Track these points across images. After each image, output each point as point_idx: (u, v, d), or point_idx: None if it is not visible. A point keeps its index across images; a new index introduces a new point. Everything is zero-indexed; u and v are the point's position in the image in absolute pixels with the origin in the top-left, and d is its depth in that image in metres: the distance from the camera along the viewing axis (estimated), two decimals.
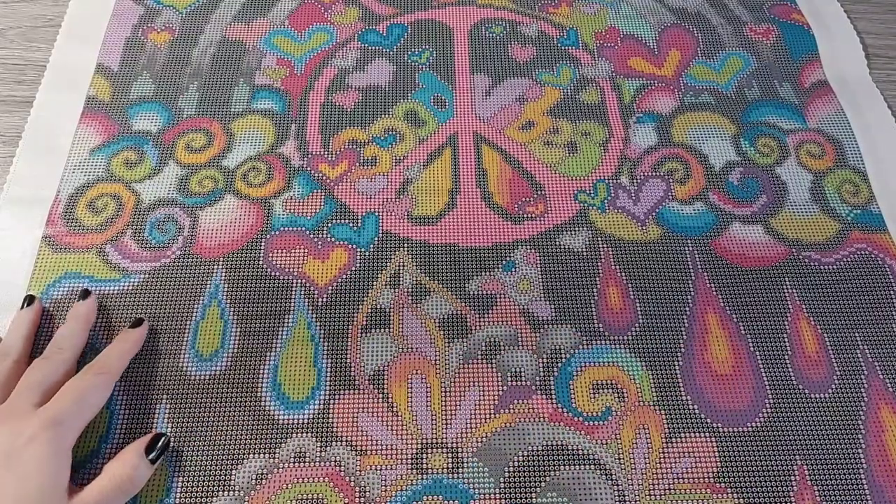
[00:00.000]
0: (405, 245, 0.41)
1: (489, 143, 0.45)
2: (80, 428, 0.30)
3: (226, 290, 0.39)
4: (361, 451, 0.34)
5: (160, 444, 0.32)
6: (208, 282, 0.39)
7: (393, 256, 0.40)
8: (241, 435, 0.34)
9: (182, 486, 0.33)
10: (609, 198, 0.43)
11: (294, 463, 0.34)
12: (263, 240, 0.40)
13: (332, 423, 0.35)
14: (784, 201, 0.43)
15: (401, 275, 0.40)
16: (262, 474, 0.33)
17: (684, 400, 0.36)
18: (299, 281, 0.39)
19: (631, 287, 0.40)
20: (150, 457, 0.32)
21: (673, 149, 0.45)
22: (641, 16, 0.52)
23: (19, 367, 0.33)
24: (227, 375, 0.36)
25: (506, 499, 0.33)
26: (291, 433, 0.35)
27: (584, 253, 0.41)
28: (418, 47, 0.49)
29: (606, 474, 0.34)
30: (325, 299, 0.39)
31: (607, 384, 0.36)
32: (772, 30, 0.51)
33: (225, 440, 0.34)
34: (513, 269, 0.40)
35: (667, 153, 0.45)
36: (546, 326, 0.38)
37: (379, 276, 0.39)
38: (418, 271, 0.40)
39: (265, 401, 0.35)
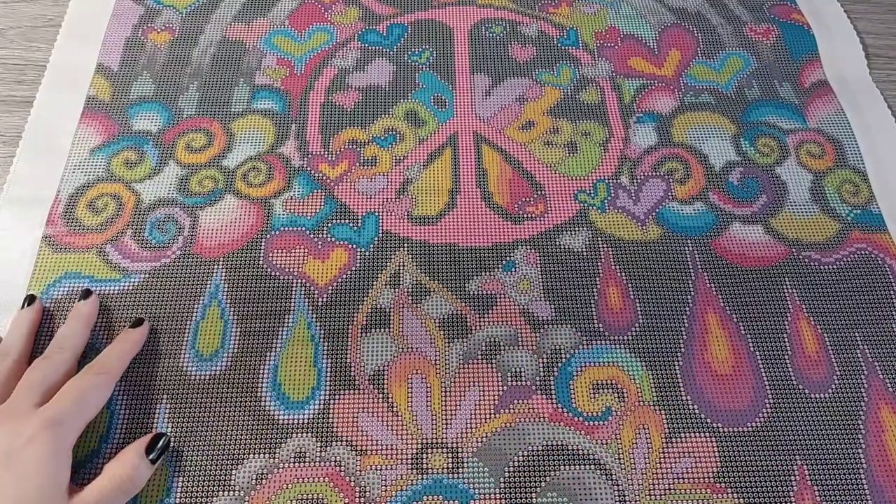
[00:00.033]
0: (405, 245, 0.41)
1: (489, 143, 0.45)
2: (80, 428, 0.30)
3: (226, 290, 0.39)
4: (361, 451, 0.34)
5: (160, 444, 0.32)
6: (208, 282, 0.39)
7: (393, 256, 0.40)
8: (242, 435, 0.34)
9: (182, 486, 0.33)
10: (609, 198, 0.43)
11: (294, 463, 0.34)
12: (263, 240, 0.40)
13: (333, 423, 0.35)
14: (784, 201, 0.43)
15: (401, 275, 0.40)
16: (262, 474, 0.33)
17: (684, 400, 0.36)
18: (299, 281, 0.39)
19: (631, 287, 0.40)
20: (151, 457, 0.32)
21: (673, 149, 0.45)
22: (641, 16, 0.52)
23: (20, 367, 0.33)
24: (227, 375, 0.36)
25: (506, 499, 0.33)
26: (291, 433, 0.35)
27: (584, 253, 0.41)
28: (418, 47, 0.49)
29: (606, 474, 0.34)
30: (325, 299, 0.39)
31: (607, 384, 0.36)
32: (772, 30, 0.51)
33: (225, 440, 0.34)
34: (513, 269, 0.40)
35: (667, 153, 0.45)
36: (546, 326, 0.38)
37: (379, 276, 0.39)
38: (418, 271, 0.40)
39: (265, 401, 0.35)
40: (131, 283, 0.39)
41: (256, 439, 0.34)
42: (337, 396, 0.36)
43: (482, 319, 0.38)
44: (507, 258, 0.40)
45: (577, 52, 0.49)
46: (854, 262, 0.41)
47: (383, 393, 0.36)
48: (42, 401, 0.31)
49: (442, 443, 0.35)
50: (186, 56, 0.48)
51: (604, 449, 0.35)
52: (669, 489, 0.34)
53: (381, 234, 0.41)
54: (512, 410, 0.36)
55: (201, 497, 0.33)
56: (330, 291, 0.39)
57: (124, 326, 0.37)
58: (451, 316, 0.38)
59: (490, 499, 0.33)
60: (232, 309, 0.38)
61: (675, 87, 0.48)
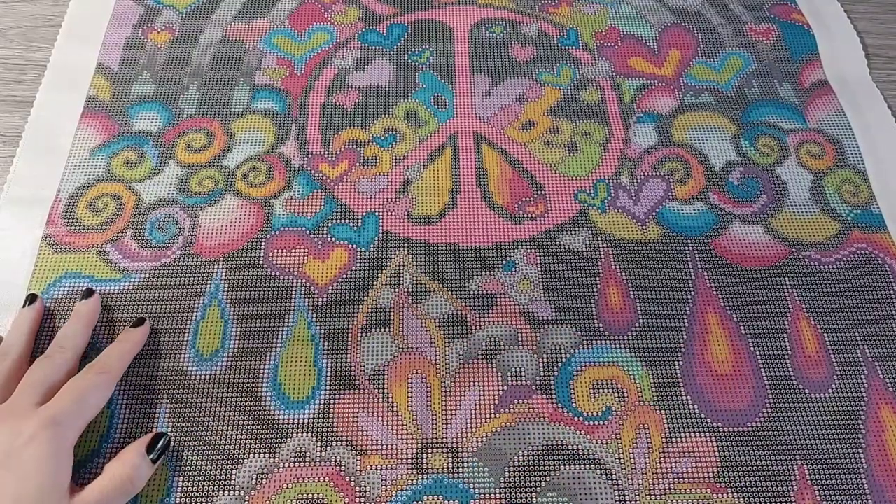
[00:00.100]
0: (405, 245, 0.41)
1: (489, 142, 0.45)
2: (80, 427, 0.30)
3: (226, 289, 0.39)
4: (362, 450, 0.34)
5: (161, 443, 0.32)
6: (208, 281, 0.39)
7: (393, 256, 0.40)
8: (242, 435, 0.34)
9: (182, 486, 0.33)
10: (609, 197, 0.43)
11: (294, 463, 0.34)
12: (264, 240, 0.40)
13: (333, 422, 0.35)
14: (784, 201, 0.43)
15: (401, 274, 0.40)
16: (262, 474, 0.33)
17: (684, 400, 0.36)
18: (299, 281, 0.39)
19: (631, 287, 0.40)
20: (151, 456, 0.32)
21: (673, 148, 0.45)
22: (642, 16, 0.52)
23: (21, 367, 0.33)
24: (227, 375, 0.36)
25: (506, 499, 0.33)
26: (291, 433, 0.35)
27: (585, 253, 0.41)
28: (418, 47, 0.49)
29: (606, 474, 0.34)
30: (325, 299, 0.39)
31: (607, 384, 0.36)
32: (772, 30, 0.51)
33: (225, 440, 0.34)
34: (513, 269, 0.40)
35: (667, 153, 0.45)
36: (546, 326, 0.38)
37: (379, 275, 0.39)
38: (418, 271, 0.40)
39: (265, 401, 0.35)
40: (131, 283, 0.39)
41: (256, 439, 0.34)
42: (337, 396, 0.36)
43: (482, 319, 0.38)
44: (508, 258, 0.40)
45: (578, 52, 0.49)
46: (854, 262, 0.41)
47: (383, 393, 0.36)
48: (43, 400, 0.31)
49: (442, 443, 0.35)
50: (186, 56, 0.48)
51: (604, 449, 0.35)
52: (669, 489, 0.34)
53: (381, 234, 0.41)
54: (512, 410, 0.36)
55: (201, 497, 0.33)
56: (330, 291, 0.39)
57: (125, 326, 0.37)
58: (452, 316, 0.38)
59: (490, 499, 0.33)
60: (232, 309, 0.38)
61: (675, 86, 0.48)
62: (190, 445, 0.34)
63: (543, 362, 0.37)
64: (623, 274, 0.40)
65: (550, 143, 0.45)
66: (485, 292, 0.39)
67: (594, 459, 0.34)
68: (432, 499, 0.33)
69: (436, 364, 0.37)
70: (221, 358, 0.37)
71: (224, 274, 0.39)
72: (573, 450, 0.35)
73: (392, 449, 0.34)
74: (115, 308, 0.38)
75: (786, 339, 0.38)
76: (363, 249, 0.40)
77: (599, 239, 0.41)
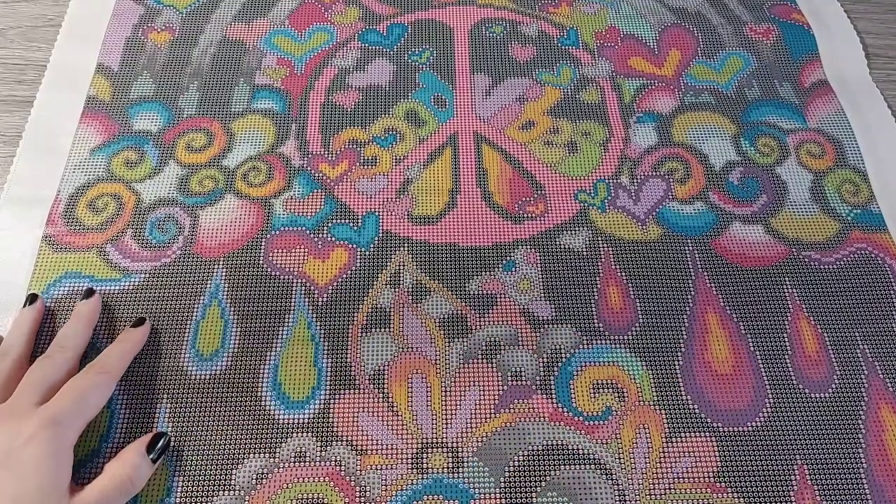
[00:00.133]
0: (405, 245, 0.41)
1: (489, 142, 0.45)
2: (80, 427, 0.30)
3: (226, 289, 0.39)
4: (362, 450, 0.34)
5: (161, 443, 0.32)
6: (208, 281, 0.39)
7: (393, 256, 0.40)
8: (242, 435, 0.34)
9: (182, 486, 0.33)
10: (609, 197, 0.43)
11: (294, 463, 0.34)
12: (264, 239, 0.40)
13: (333, 422, 0.35)
14: (784, 201, 0.43)
15: (401, 274, 0.40)
16: (262, 474, 0.33)
17: (684, 400, 0.36)
18: (299, 281, 0.39)
19: (631, 287, 0.40)
20: (151, 456, 0.32)
21: (673, 148, 0.45)
22: (641, 15, 0.52)
23: (21, 366, 0.33)
24: (227, 375, 0.36)
25: (506, 498, 0.33)
26: (292, 433, 0.35)
27: (585, 253, 0.41)
28: (418, 47, 0.49)
29: (607, 474, 0.34)
30: (325, 299, 0.39)
31: (607, 384, 0.36)
32: (772, 30, 0.51)
33: (225, 440, 0.34)
34: (513, 269, 0.40)
35: (667, 153, 0.45)
36: (546, 326, 0.38)
37: (379, 275, 0.39)
38: (418, 271, 0.40)
39: (265, 400, 0.35)
40: (131, 283, 0.39)
41: (256, 439, 0.34)
42: (337, 396, 0.36)
43: (482, 319, 0.38)
44: (508, 258, 0.40)
45: (578, 52, 0.49)
46: (854, 261, 0.41)
47: (383, 393, 0.36)
48: (43, 400, 0.31)
49: (442, 442, 0.35)
50: (186, 56, 0.48)
51: (604, 449, 0.35)
52: (669, 489, 0.34)
53: (381, 234, 0.41)
54: (512, 410, 0.36)
55: (201, 497, 0.33)
56: (330, 291, 0.39)
57: (125, 326, 0.37)
58: (452, 316, 0.38)
59: (490, 498, 0.33)
60: (232, 309, 0.38)
61: (675, 86, 0.48)
62: (190, 445, 0.34)
63: (543, 362, 0.37)
64: (623, 274, 0.40)
65: (550, 142, 0.45)
66: (485, 292, 0.39)
67: (594, 459, 0.34)
68: (432, 499, 0.33)
69: (436, 364, 0.37)
70: (221, 358, 0.37)
71: (224, 274, 0.39)
72: (573, 450, 0.35)
73: (392, 449, 0.34)
74: (115, 308, 0.38)
75: (786, 339, 0.38)
76: (363, 249, 0.40)
77: (599, 239, 0.41)
